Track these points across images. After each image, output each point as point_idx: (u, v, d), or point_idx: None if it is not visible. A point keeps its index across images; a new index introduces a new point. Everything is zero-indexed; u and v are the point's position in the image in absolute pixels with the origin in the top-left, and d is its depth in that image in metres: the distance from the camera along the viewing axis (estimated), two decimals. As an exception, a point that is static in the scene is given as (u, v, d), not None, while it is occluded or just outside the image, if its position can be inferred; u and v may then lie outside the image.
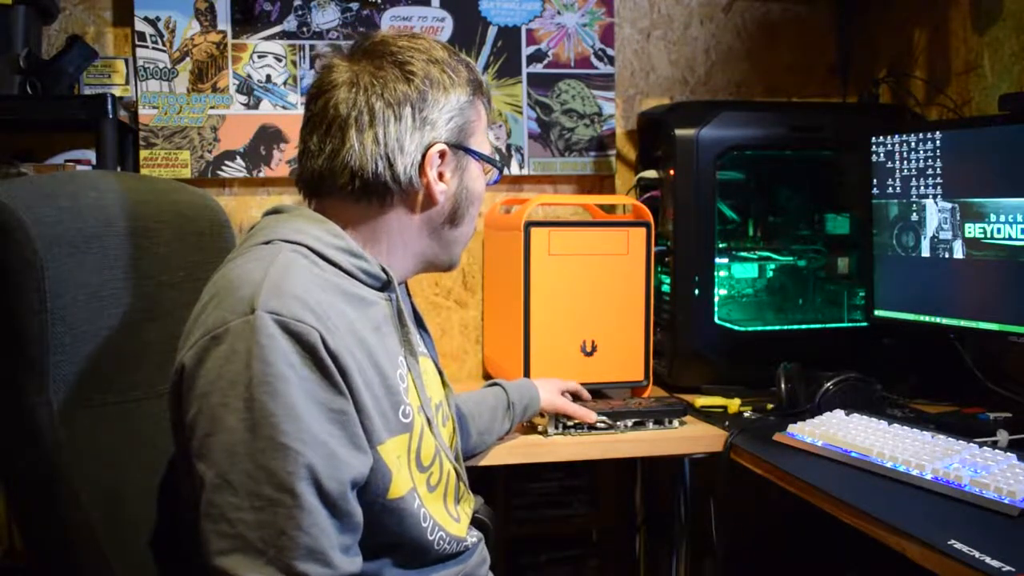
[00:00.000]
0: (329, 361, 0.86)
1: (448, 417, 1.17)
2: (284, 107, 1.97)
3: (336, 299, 0.92)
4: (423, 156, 1.01)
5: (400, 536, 0.97)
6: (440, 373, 1.18)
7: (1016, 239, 1.50)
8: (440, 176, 1.03)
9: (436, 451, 1.04)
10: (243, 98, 1.96)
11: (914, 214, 1.68)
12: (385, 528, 0.94)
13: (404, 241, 1.04)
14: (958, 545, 1.02)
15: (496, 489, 1.95)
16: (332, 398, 0.86)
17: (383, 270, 1.02)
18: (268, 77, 1.97)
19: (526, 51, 2.07)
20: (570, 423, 1.54)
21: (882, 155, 1.74)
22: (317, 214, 1.01)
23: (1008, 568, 0.95)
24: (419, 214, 1.04)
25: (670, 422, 1.58)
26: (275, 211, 1.04)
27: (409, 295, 1.21)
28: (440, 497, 1.05)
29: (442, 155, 1.03)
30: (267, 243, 0.96)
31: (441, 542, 1.02)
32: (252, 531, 0.81)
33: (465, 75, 1.05)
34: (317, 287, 0.90)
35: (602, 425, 1.55)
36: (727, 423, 1.60)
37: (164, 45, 1.93)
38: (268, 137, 1.97)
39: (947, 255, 1.62)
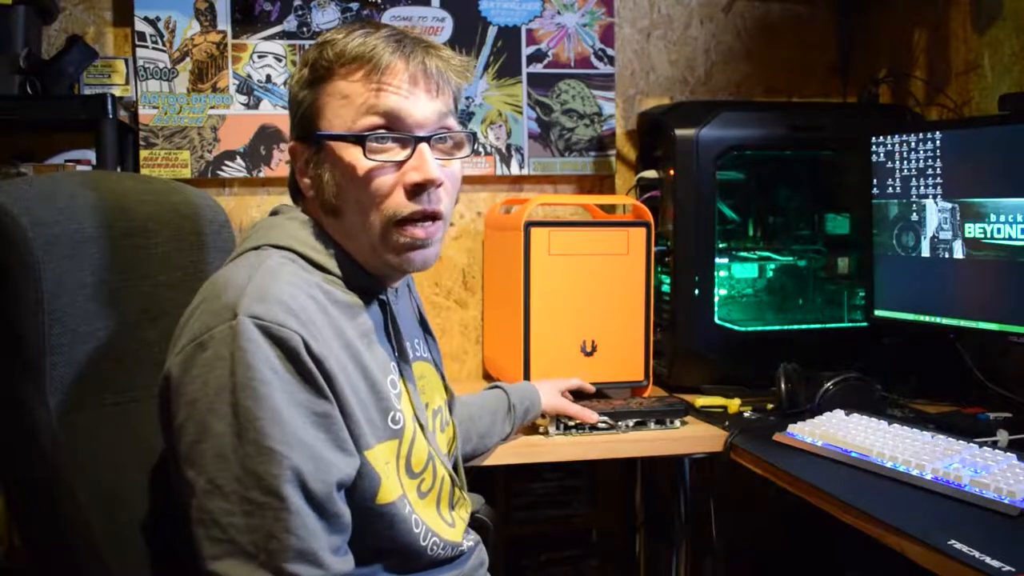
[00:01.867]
0: (312, 365, 0.86)
1: (447, 423, 1.16)
2: (284, 107, 1.97)
3: (323, 304, 0.92)
4: (292, 157, 1.01)
5: (392, 541, 0.96)
6: (442, 377, 1.18)
7: (1016, 239, 1.50)
8: (302, 171, 1.00)
9: (429, 457, 1.03)
10: (243, 98, 1.96)
11: (914, 214, 1.68)
12: (376, 533, 0.94)
13: (339, 240, 1.00)
14: (958, 545, 1.02)
15: (496, 489, 1.95)
16: (315, 401, 0.87)
17: (368, 273, 1.01)
18: (268, 77, 1.97)
19: (526, 51, 2.07)
20: (571, 423, 1.54)
21: (882, 155, 1.73)
22: (308, 218, 1.01)
23: (1008, 568, 0.95)
24: (320, 211, 1.00)
25: (671, 422, 1.58)
26: (273, 212, 1.04)
27: (414, 296, 1.20)
28: (432, 503, 1.05)
29: (296, 151, 1.00)
30: (256, 248, 0.96)
31: (435, 547, 1.01)
32: (243, 535, 0.81)
33: (312, 55, 0.97)
34: (303, 292, 0.90)
35: (603, 425, 1.55)
36: (727, 423, 1.60)
37: (164, 45, 1.92)
38: (268, 137, 1.97)
39: (947, 255, 1.62)
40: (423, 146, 0.96)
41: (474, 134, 1.07)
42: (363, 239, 0.98)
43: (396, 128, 0.95)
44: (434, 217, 0.98)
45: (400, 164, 0.96)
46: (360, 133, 0.94)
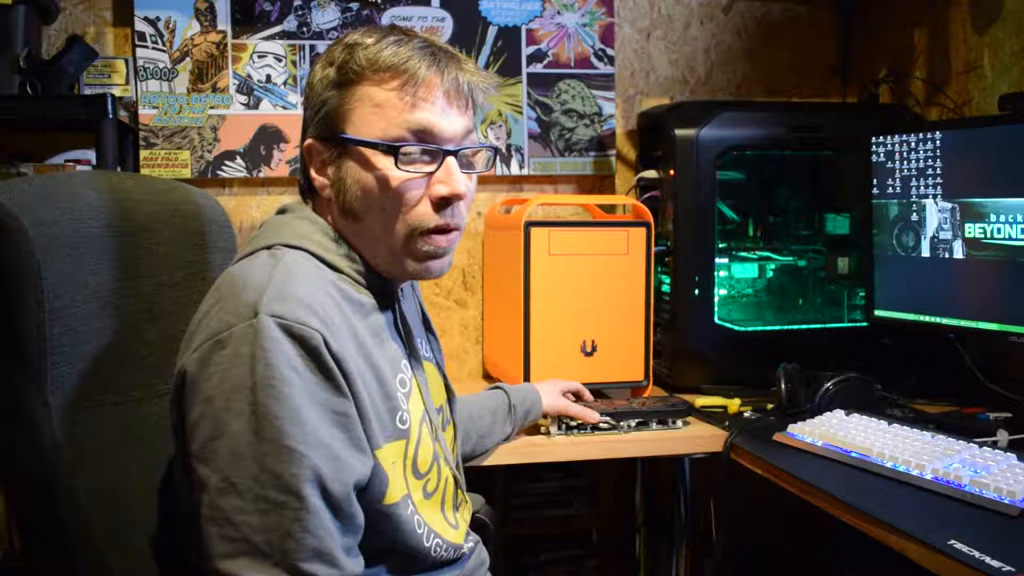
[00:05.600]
0: (332, 364, 0.86)
1: (449, 422, 1.17)
2: (284, 107, 1.97)
3: (339, 303, 0.93)
4: (306, 155, 1.01)
5: (396, 542, 0.96)
6: (444, 377, 1.18)
7: (1016, 239, 1.50)
8: (320, 170, 1.00)
9: (434, 458, 1.04)
10: (243, 98, 1.96)
11: (914, 214, 1.68)
12: (381, 533, 0.94)
13: (355, 242, 1.00)
14: (958, 545, 1.02)
15: (496, 489, 1.95)
16: (335, 400, 0.87)
17: (379, 275, 1.01)
18: (268, 77, 1.97)
19: (526, 51, 2.07)
20: (573, 424, 1.54)
21: (882, 155, 1.73)
22: (319, 217, 1.01)
23: (1008, 568, 0.95)
24: (336, 213, 1.00)
25: (673, 422, 1.58)
26: (281, 211, 1.05)
27: (417, 296, 1.21)
28: (437, 504, 1.05)
29: (314, 150, 1.00)
30: (269, 248, 0.96)
31: (438, 549, 1.01)
32: (257, 534, 0.81)
33: (341, 57, 0.97)
34: (320, 291, 0.90)
35: (605, 425, 1.55)
36: (727, 423, 1.60)
37: (164, 45, 1.93)
38: (268, 137, 1.97)
39: (947, 255, 1.62)
40: (451, 160, 0.98)
41: (495, 148, 1.08)
42: (382, 244, 0.99)
43: (426, 141, 0.97)
44: (455, 230, 1.00)
45: (428, 176, 0.97)
46: (393, 143, 0.95)
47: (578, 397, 1.62)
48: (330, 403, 0.86)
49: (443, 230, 0.99)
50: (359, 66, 0.96)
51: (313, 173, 1.00)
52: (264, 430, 0.82)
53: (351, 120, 0.97)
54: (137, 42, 1.92)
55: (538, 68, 2.08)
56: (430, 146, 0.97)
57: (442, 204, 0.98)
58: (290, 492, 0.82)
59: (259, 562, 0.81)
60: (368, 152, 0.96)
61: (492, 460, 1.47)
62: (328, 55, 1.00)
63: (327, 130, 0.98)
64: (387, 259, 1.00)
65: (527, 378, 1.67)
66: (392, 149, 0.95)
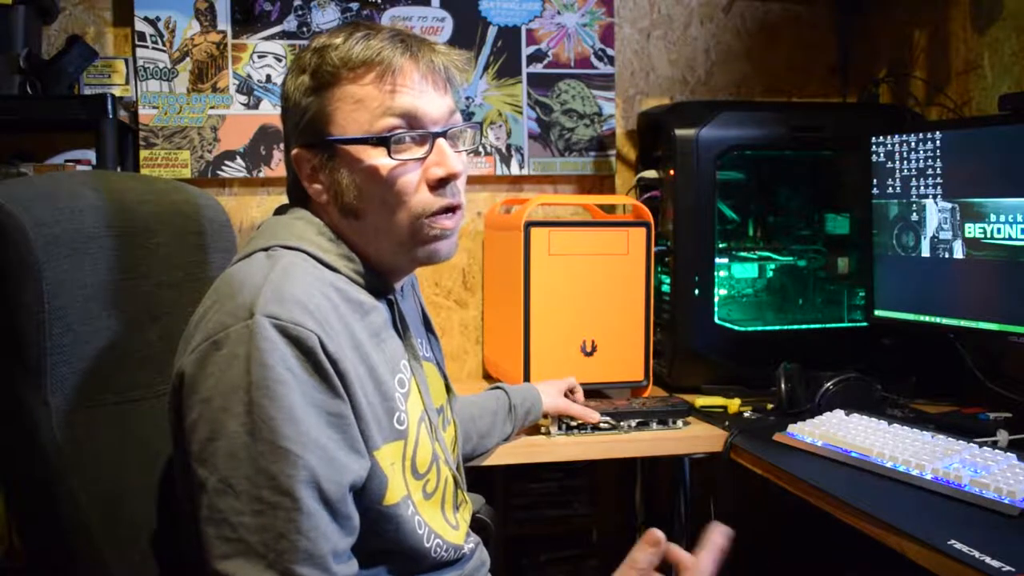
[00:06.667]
0: (328, 365, 0.86)
1: (449, 422, 1.17)
2: (284, 107, 1.97)
3: (336, 304, 0.92)
4: (296, 166, 1.01)
5: (396, 544, 0.96)
6: (444, 377, 1.18)
7: (1016, 239, 1.50)
8: (311, 178, 1.00)
9: (433, 458, 1.03)
10: (243, 98, 1.96)
11: (914, 214, 1.68)
12: (381, 535, 0.94)
13: (358, 241, 1.01)
14: (958, 545, 1.02)
15: (496, 489, 1.95)
16: (331, 401, 0.87)
17: (378, 274, 1.01)
18: (268, 77, 1.97)
19: (526, 51, 2.07)
20: (574, 424, 1.54)
21: (882, 155, 1.73)
22: (315, 217, 1.01)
23: (1008, 568, 0.95)
24: (336, 215, 1.00)
25: (674, 422, 1.58)
26: (280, 211, 1.04)
27: (417, 296, 1.21)
28: (437, 505, 1.04)
29: (302, 158, 1.00)
30: (266, 249, 0.96)
31: (439, 549, 1.01)
32: (253, 535, 0.81)
33: (312, 62, 0.97)
34: (317, 292, 0.90)
35: (605, 425, 1.55)
36: (727, 423, 1.60)
37: (164, 45, 1.92)
38: (268, 137, 1.97)
39: (947, 255, 1.62)
40: (441, 141, 0.98)
41: (480, 125, 1.08)
42: (387, 238, 0.99)
43: (413, 127, 0.97)
44: (458, 208, 1.00)
45: (421, 161, 0.97)
46: (382, 135, 0.96)
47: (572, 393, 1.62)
48: (325, 404, 0.86)
49: (447, 210, 0.99)
50: (333, 66, 0.96)
51: (305, 182, 1.00)
52: (259, 430, 0.82)
53: (335, 121, 0.97)
54: (137, 42, 1.92)
55: (538, 68, 2.08)
56: (418, 131, 0.97)
57: (439, 185, 0.98)
58: (284, 493, 0.82)
59: (254, 563, 0.81)
60: (358, 149, 0.96)
61: (492, 460, 1.47)
62: (298, 62, 0.99)
63: (312, 136, 0.98)
64: (394, 251, 1.00)
65: (527, 378, 1.67)
66: (382, 140, 0.95)
